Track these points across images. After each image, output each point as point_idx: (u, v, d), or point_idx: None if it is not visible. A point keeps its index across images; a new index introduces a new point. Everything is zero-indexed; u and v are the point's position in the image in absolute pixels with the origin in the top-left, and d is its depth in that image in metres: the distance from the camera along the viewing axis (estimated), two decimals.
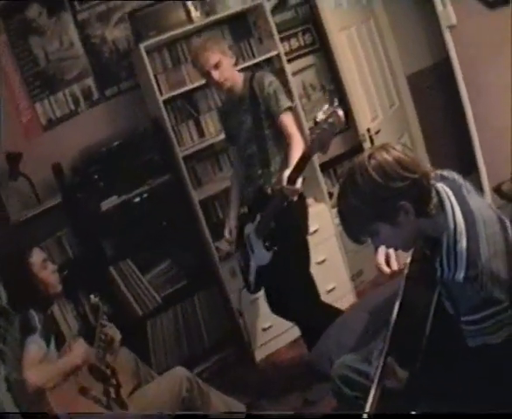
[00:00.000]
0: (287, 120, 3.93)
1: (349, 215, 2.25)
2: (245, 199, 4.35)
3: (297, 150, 3.69)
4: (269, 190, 3.99)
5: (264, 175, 4.05)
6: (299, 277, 4.06)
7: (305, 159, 3.43)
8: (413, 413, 2.26)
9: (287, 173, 3.51)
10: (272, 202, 3.82)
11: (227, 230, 4.40)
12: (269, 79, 3.99)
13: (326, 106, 3.20)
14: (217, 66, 3.93)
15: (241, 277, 4.57)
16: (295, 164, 3.50)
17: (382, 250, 2.94)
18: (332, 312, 3.97)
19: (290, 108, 4.00)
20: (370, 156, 2.15)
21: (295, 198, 3.65)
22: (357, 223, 2.26)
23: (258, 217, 4.00)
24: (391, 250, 2.94)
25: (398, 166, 2.10)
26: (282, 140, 3.98)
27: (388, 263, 2.90)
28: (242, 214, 4.41)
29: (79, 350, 3.45)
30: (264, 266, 4.06)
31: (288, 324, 4.73)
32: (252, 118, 4.03)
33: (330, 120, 3.13)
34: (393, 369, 2.34)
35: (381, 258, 2.93)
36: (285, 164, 3.83)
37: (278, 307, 4.31)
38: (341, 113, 3.14)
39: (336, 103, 3.21)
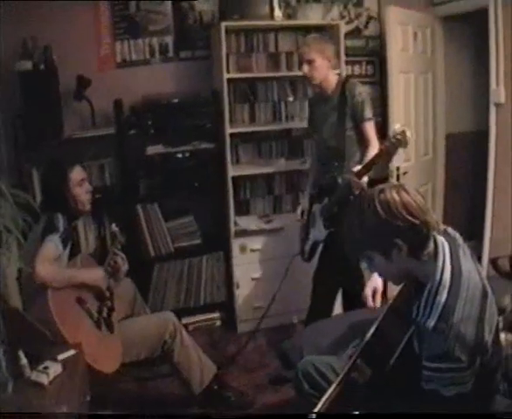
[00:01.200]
0: (369, 128, 4.07)
1: (350, 234, 2.25)
2: (318, 183, 4.43)
3: (372, 154, 3.85)
4: (340, 180, 4.08)
5: (339, 167, 4.14)
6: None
7: (373, 162, 3.68)
8: (356, 413, 2.28)
9: (356, 168, 3.75)
10: (339, 190, 4.01)
11: (300, 209, 4.58)
12: (360, 89, 4.10)
13: (398, 125, 3.45)
14: (309, 62, 4.04)
15: (249, 253, 4.97)
16: (364, 164, 3.75)
17: (371, 284, 3.03)
18: None
19: (372, 119, 4.11)
20: (381, 191, 2.16)
21: (357, 192, 3.73)
22: (355, 244, 2.26)
23: (325, 200, 4.21)
24: (379, 287, 2.99)
25: (403, 208, 2.10)
26: (359, 143, 4.13)
27: (374, 297, 2.97)
28: (311, 195, 4.51)
29: (96, 274, 3.47)
30: (318, 241, 4.33)
31: (276, 309, 4.73)
32: (337, 117, 4.12)
33: (399, 137, 3.34)
34: (360, 366, 2.38)
35: (369, 292, 3.05)
36: (358, 163, 3.97)
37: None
38: (409, 134, 3.35)
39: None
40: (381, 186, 2.23)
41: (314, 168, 4.57)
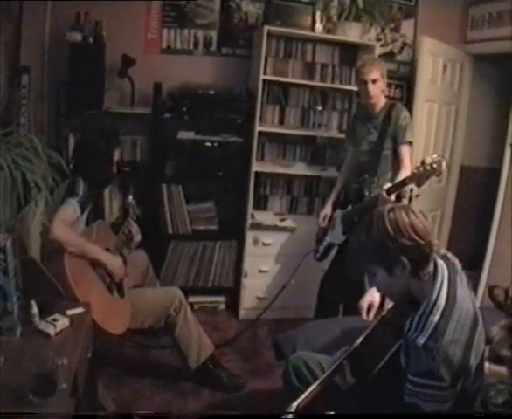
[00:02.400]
0: (406, 151, 4.09)
1: (356, 248, 2.24)
2: (345, 191, 4.53)
3: (405, 173, 3.86)
4: (366, 192, 4.14)
5: (368, 180, 4.19)
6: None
7: (404, 183, 3.63)
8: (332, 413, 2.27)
9: (387, 185, 3.73)
10: (365, 202, 4.08)
11: (323, 215, 4.54)
12: (405, 114, 4.13)
13: (435, 155, 3.40)
14: (374, 82, 4.07)
15: (261, 246, 4.98)
16: (396, 183, 3.73)
17: (368, 298, 2.99)
18: None
19: (411, 143, 4.13)
20: (391, 210, 2.15)
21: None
22: (360, 259, 2.25)
23: (349, 207, 4.30)
24: (375, 302, 2.97)
25: (411, 228, 2.09)
26: (393, 163, 4.15)
27: (369, 311, 2.97)
28: (335, 201, 4.57)
29: (115, 262, 3.44)
30: (334, 244, 4.36)
31: (277, 303, 4.77)
32: (378, 135, 4.16)
33: (435, 165, 3.32)
34: (344, 371, 2.37)
35: (364, 305, 3.02)
36: (389, 181, 4.02)
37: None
38: (444, 164, 3.33)
39: (446, 156, 3.43)
40: (390, 205, 2.23)
41: (344, 176, 4.58)
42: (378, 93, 4.13)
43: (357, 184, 4.28)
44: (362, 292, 3.91)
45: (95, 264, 3.30)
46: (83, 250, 3.21)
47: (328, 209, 4.52)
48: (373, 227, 2.14)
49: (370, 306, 3.01)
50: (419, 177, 3.43)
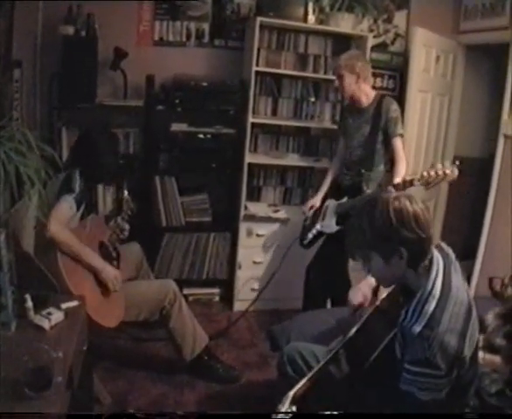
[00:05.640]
0: (399, 143, 4.11)
1: (355, 231, 2.24)
2: (337, 183, 4.52)
3: (402, 167, 4.01)
4: (365, 187, 4.12)
5: (365, 175, 4.17)
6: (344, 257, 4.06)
7: (411, 183, 3.64)
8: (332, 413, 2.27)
9: (397, 180, 3.81)
10: (365, 196, 3.99)
11: (309, 205, 4.56)
12: (395, 106, 4.15)
13: (448, 162, 3.50)
14: (340, 77, 4.13)
15: (254, 237, 4.99)
16: (402, 182, 3.73)
17: (359, 295, 2.97)
18: None
19: (402, 135, 4.14)
20: (396, 198, 2.15)
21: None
22: (358, 242, 2.24)
23: (344, 199, 4.25)
24: (367, 299, 2.94)
25: (414, 220, 2.09)
26: (386, 155, 4.20)
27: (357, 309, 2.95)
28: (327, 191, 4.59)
29: (111, 272, 3.39)
30: (323, 233, 4.37)
31: (271, 294, 4.82)
32: (370, 129, 4.17)
33: (448, 171, 3.40)
34: (340, 360, 2.40)
35: (355, 302, 2.96)
36: (385, 174, 4.19)
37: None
38: (456, 171, 3.42)
39: (458, 163, 3.46)
40: (396, 193, 2.23)
41: (336, 168, 4.59)
42: (348, 88, 4.14)
43: (352, 178, 4.28)
44: (347, 284, 3.94)
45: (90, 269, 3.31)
46: (79, 253, 3.21)
47: (316, 201, 4.52)
48: (375, 213, 2.15)
49: (360, 305, 2.98)
50: (429, 180, 3.47)
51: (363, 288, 3.00)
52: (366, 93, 4.19)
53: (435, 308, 2.07)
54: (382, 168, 4.19)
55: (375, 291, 3.02)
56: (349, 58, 4.16)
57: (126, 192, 3.87)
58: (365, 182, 4.15)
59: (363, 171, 4.17)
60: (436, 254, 2.23)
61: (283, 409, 2.20)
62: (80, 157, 3.54)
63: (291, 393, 2.26)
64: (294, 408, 2.20)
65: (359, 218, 2.23)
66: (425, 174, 3.47)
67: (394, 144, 4.09)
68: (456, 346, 2.03)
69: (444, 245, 2.36)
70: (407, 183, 3.67)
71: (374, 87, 4.48)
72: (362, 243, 2.23)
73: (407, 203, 2.12)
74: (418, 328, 2.05)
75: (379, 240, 2.15)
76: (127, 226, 3.74)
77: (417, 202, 2.15)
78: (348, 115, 4.41)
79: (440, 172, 3.39)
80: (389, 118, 4.08)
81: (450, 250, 2.35)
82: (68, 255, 3.13)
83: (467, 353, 2.09)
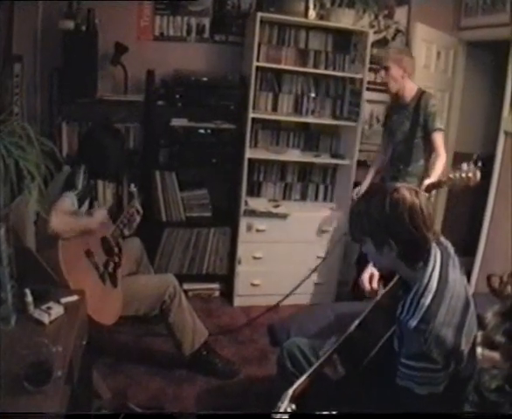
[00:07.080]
0: (439, 138, 4.19)
1: (354, 214, 2.25)
2: (380, 175, 4.76)
3: (441, 163, 4.08)
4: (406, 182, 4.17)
5: (402, 170, 4.31)
6: None
7: (439, 185, 3.81)
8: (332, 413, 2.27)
9: (427, 181, 3.85)
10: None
11: (357, 191, 4.72)
12: (434, 101, 4.22)
13: (472, 165, 3.55)
14: (386, 69, 4.27)
15: (254, 233, 4.95)
16: (434, 182, 3.84)
17: (368, 270, 2.95)
18: None
19: (442, 130, 4.20)
20: (396, 190, 2.13)
21: None
22: (356, 225, 2.25)
23: None
24: (376, 273, 2.94)
25: (409, 214, 2.08)
26: (425, 151, 4.32)
27: (371, 281, 2.92)
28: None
29: (98, 217, 3.41)
30: None
31: (273, 289, 4.84)
32: (410, 125, 4.26)
33: (469, 174, 3.47)
34: (335, 363, 2.37)
35: (365, 276, 2.96)
36: (424, 171, 4.29)
37: None
38: (479, 175, 3.50)
39: (480, 164, 3.52)
40: (398, 184, 2.21)
41: (378, 164, 4.80)
42: (394, 81, 4.24)
43: (394, 173, 4.40)
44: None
45: (91, 244, 3.33)
46: (81, 230, 3.22)
47: (363, 189, 4.59)
48: (373, 200, 2.15)
49: (370, 278, 2.98)
50: (456, 182, 3.56)
51: (372, 270, 3.01)
52: (410, 89, 4.28)
53: (431, 302, 2.06)
54: (422, 163, 4.28)
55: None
56: (397, 51, 4.31)
57: (132, 185, 3.87)
58: (406, 177, 4.24)
59: (401, 167, 4.29)
60: (434, 247, 2.21)
61: (282, 407, 2.19)
62: (87, 154, 3.54)
63: (290, 390, 2.26)
64: (293, 406, 2.20)
65: (359, 202, 2.25)
66: (451, 176, 3.54)
67: (433, 139, 4.16)
68: (453, 340, 2.03)
69: (442, 239, 2.34)
70: (436, 185, 3.77)
71: (373, 82, 4.54)
72: (358, 226, 2.23)
73: (407, 194, 2.10)
74: (414, 322, 2.03)
75: (371, 227, 2.15)
76: (136, 214, 3.75)
77: (419, 196, 2.14)
78: (392, 113, 4.51)
79: (464, 174, 3.46)
80: (427, 113, 4.15)
81: (449, 244, 2.33)
82: (73, 239, 3.14)
83: (465, 347, 2.08)
